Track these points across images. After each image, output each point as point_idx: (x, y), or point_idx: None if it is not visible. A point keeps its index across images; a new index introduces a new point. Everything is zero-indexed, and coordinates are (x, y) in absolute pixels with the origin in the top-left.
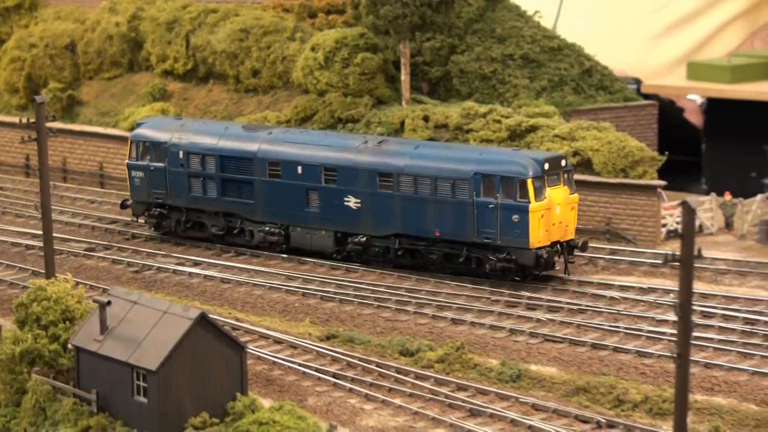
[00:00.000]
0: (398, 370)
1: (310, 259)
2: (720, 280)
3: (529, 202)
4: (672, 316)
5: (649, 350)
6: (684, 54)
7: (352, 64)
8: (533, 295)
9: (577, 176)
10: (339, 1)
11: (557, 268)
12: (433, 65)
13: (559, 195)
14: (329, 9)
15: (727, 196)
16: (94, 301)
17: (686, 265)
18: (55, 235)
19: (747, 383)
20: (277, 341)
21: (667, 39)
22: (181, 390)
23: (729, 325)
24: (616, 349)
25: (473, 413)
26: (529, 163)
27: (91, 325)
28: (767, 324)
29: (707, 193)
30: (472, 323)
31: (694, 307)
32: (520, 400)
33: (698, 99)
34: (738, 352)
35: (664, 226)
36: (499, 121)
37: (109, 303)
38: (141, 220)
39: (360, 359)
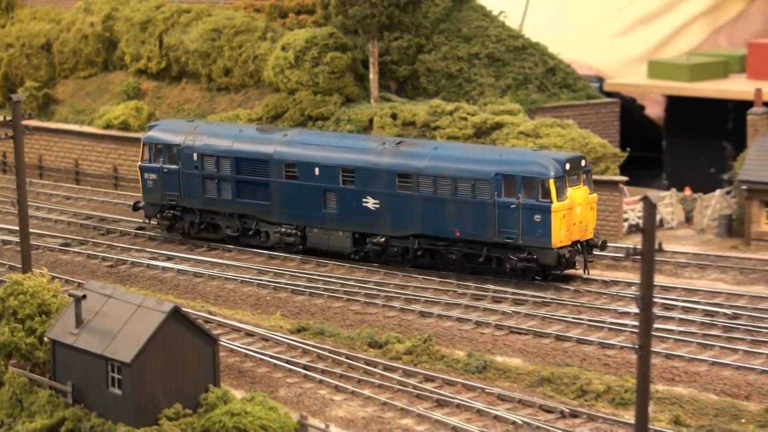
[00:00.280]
0: (367, 362)
1: (280, 254)
2: (680, 273)
3: (551, 202)
4: (634, 308)
5: (612, 341)
6: (648, 51)
7: (321, 63)
8: (499, 288)
9: None
10: (309, 2)
11: (577, 267)
12: (400, 64)
13: (579, 195)
14: (299, 9)
15: (687, 192)
16: (70, 295)
17: (647, 258)
18: (31, 230)
19: (707, 373)
20: (249, 334)
21: (632, 36)
22: (155, 382)
23: (689, 317)
24: (579, 341)
25: (440, 403)
26: (550, 164)
27: (67, 318)
28: (726, 316)
29: (668, 189)
30: (440, 316)
31: (655, 300)
32: (486, 390)
33: None
34: (698, 343)
35: (626, 220)
36: (465, 119)
37: (84, 297)
38: (153, 222)
39: (330, 351)
